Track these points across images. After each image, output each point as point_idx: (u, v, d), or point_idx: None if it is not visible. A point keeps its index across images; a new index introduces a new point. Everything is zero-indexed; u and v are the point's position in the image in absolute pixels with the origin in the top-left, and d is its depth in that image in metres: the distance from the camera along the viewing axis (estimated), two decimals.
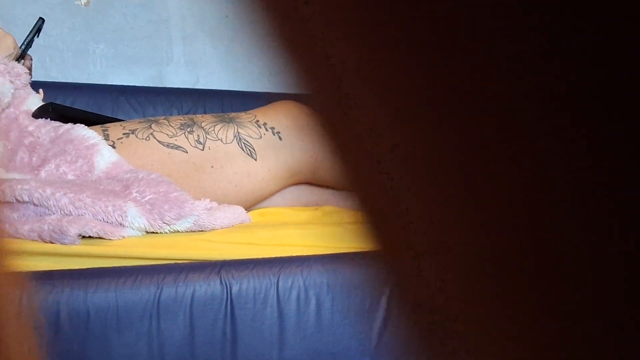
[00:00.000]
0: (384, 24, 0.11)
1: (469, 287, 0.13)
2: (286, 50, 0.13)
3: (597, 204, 0.11)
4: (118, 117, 1.62)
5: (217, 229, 1.19)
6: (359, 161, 0.13)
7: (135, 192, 1.17)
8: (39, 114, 1.33)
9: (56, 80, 1.89)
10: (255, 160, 1.33)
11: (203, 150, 1.31)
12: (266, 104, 1.42)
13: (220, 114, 1.41)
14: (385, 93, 0.12)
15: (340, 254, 1.12)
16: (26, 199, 1.12)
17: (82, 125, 1.30)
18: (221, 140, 1.33)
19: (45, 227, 1.08)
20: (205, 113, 1.76)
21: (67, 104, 1.63)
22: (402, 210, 0.13)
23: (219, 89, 2.01)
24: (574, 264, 0.11)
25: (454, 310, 0.13)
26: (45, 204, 1.11)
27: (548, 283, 0.12)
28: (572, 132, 0.11)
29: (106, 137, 1.30)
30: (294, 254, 1.11)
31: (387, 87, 0.12)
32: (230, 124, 1.36)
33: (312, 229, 1.22)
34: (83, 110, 1.48)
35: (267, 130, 1.36)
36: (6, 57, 1.37)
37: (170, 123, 1.34)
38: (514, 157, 0.11)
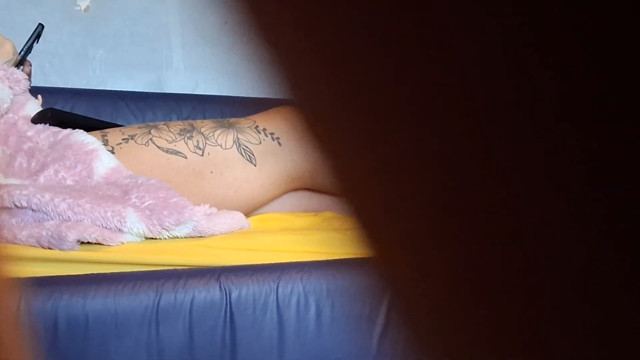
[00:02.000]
0: (369, 25, 0.11)
1: (455, 297, 0.13)
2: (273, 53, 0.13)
3: (595, 210, 0.11)
4: (117, 123, 1.62)
5: (217, 234, 1.19)
6: (349, 167, 0.13)
7: (135, 197, 1.16)
8: (38, 119, 1.33)
9: (55, 86, 1.89)
10: (255, 166, 1.33)
11: (202, 155, 1.31)
12: (266, 109, 1.42)
13: (219, 120, 1.41)
14: (366, 98, 0.12)
15: (340, 260, 1.12)
16: (25, 204, 1.11)
17: (81, 130, 1.30)
18: (221, 146, 1.33)
19: (44, 233, 1.07)
20: (204, 118, 1.76)
21: (66, 110, 1.63)
22: (396, 217, 0.13)
23: (219, 94, 2.01)
24: (567, 271, 0.11)
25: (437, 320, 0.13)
26: (43, 209, 1.11)
27: (536, 293, 0.12)
28: (570, 137, 0.10)
29: (105, 143, 1.30)
30: (294, 260, 1.10)
31: (369, 94, 0.12)
32: (230, 130, 1.35)
33: (312, 235, 1.22)
34: (82, 116, 1.48)
35: (266, 136, 1.36)
36: (5, 62, 1.37)
37: (170, 128, 1.34)
38: (503, 162, 0.11)
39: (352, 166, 0.13)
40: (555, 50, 0.10)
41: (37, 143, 1.27)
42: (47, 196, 1.12)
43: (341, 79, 0.12)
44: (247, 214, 1.32)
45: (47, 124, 1.32)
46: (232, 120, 1.40)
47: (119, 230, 1.12)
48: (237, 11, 0.13)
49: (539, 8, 0.10)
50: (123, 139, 1.32)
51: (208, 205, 1.23)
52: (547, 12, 0.10)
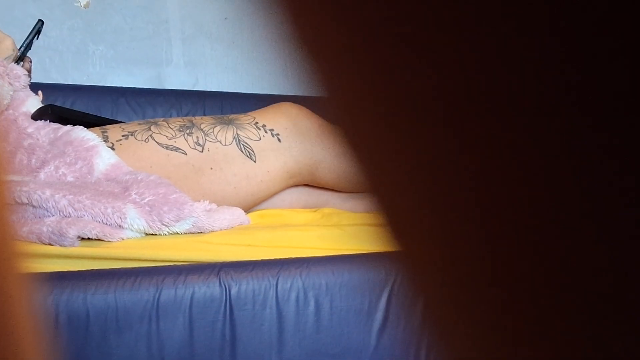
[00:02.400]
0: (386, 21, 0.11)
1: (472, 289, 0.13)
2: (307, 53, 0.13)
3: (613, 206, 0.11)
4: (117, 119, 1.62)
5: (216, 230, 1.19)
6: (379, 164, 0.13)
7: (135, 193, 1.16)
8: (38, 115, 1.33)
9: (56, 82, 1.88)
10: (255, 162, 1.33)
11: (202, 152, 1.31)
12: (265, 105, 1.42)
13: (219, 116, 1.41)
14: (396, 96, 0.12)
15: (339, 255, 1.12)
16: (25, 200, 1.12)
17: (82, 127, 1.30)
18: (220, 142, 1.33)
19: (45, 229, 1.08)
20: (204, 115, 1.76)
21: (66, 106, 1.63)
22: (422, 210, 0.13)
23: (219, 90, 2.01)
24: (579, 267, 0.11)
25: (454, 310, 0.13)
26: (44, 205, 1.11)
27: (553, 287, 0.12)
28: (587, 132, 0.10)
29: (105, 139, 1.30)
30: (293, 256, 1.11)
31: (387, 86, 0.12)
32: (230, 126, 1.36)
33: (311, 230, 1.22)
34: (82, 112, 1.48)
35: (266, 132, 1.36)
36: (5, 59, 1.37)
37: (170, 125, 1.34)
38: (523, 159, 0.11)
39: (382, 163, 0.13)
40: (574, 44, 0.10)
41: (38, 139, 1.27)
42: (48, 192, 1.12)
43: (373, 78, 0.12)
44: (247, 210, 1.32)
45: (47, 121, 1.32)
46: (232, 116, 1.40)
47: (119, 226, 1.12)
48: (276, 12, 0.13)
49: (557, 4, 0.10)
50: (123, 136, 1.32)
51: (208, 202, 1.24)
52: (564, 8, 0.10)
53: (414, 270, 0.14)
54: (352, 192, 1.43)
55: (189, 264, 1.08)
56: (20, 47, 1.44)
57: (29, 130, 1.28)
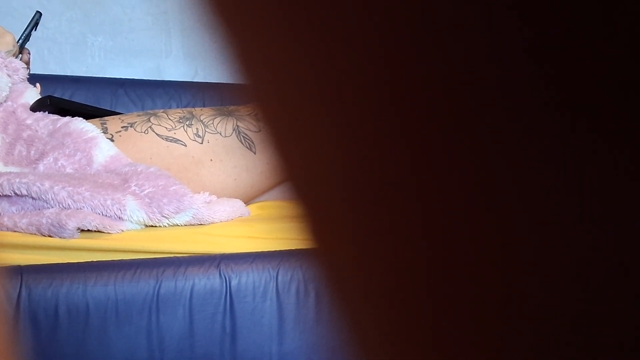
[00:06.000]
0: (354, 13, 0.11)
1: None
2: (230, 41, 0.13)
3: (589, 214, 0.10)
4: (117, 111, 1.62)
5: (216, 222, 1.19)
6: (297, 152, 0.13)
7: (134, 185, 1.16)
8: (37, 107, 1.32)
9: (55, 73, 1.88)
10: (255, 153, 1.33)
11: (202, 143, 1.31)
12: None
13: (219, 107, 1.41)
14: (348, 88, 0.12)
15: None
16: (24, 192, 1.11)
17: (81, 118, 1.30)
18: (220, 134, 1.33)
19: (44, 221, 1.08)
20: (204, 106, 1.76)
21: (65, 97, 1.63)
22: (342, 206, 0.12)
23: (218, 81, 2.00)
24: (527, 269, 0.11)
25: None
26: (43, 197, 1.11)
27: (500, 288, 0.11)
28: (566, 130, 0.10)
29: (105, 131, 1.30)
30: (294, 248, 1.11)
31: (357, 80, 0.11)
32: (230, 117, 1.35)
33: None
34: (81, 104, 1.48)
35: None
36: (5, 53, 1.36)
37: (169, 116, 1.34)
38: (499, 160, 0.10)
39: (299, 151, 0.13)
40: (548, 43, 0.10)
41: (37, 131, 1.27)
42: (47, 184, 1.12)
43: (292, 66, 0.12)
44: (247, 202, 1.32)
45: (46, 112, 1.32)
46: (232, 107, 1.40)
47: (119, 218, 1.12)
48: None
49: (532, 5, 0.10)
50: (122, 127, 1.31)
51: (208, 193, 1.23)
52: (541, 9, 0.10)
53: (328, 265, 0.14)
54: None
55: (189, 256, 1.08)
56: (19, 39, 1.44)
57: (28, 121, 1.28)
